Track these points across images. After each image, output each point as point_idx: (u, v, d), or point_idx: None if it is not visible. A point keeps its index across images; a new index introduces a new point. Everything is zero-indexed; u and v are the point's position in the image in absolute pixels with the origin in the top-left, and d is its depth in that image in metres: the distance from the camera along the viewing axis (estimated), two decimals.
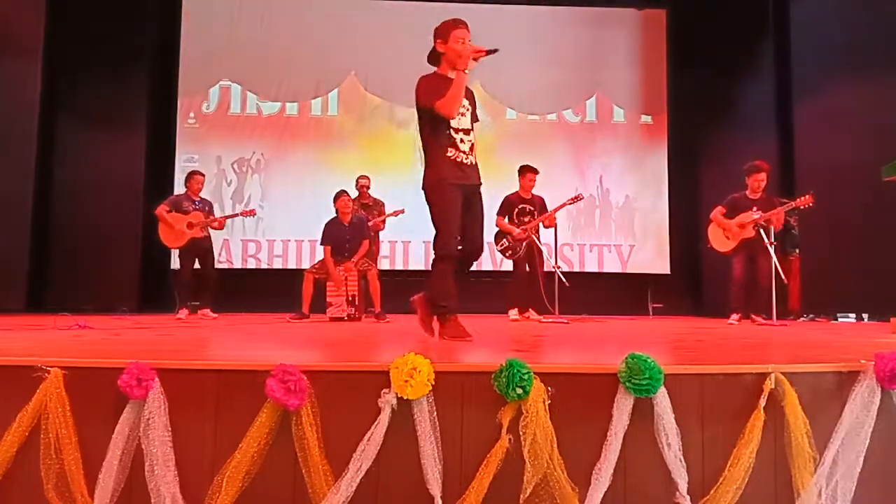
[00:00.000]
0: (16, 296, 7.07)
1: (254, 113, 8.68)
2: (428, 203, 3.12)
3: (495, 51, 3.07)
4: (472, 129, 3.17)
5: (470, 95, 3.22)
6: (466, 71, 3.02)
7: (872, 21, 6.18)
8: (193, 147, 8.55)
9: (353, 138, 8.71)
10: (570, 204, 6.21)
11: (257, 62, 8.63)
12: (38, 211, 7.48)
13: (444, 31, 3.13)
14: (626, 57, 9.00)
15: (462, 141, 3.09)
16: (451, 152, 3.06)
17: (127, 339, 2.87)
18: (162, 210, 6.06)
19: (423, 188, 3.13)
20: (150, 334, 3.30)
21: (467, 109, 3.15)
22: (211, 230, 6.29)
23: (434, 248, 3.11)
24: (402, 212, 6.82)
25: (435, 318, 3.12)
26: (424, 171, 3.14)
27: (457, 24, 3.13)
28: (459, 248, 3.15)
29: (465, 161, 3.08)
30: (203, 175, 6.49)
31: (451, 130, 3.06)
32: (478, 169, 3.17)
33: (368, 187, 6.63)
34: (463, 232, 3.12)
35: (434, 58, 3.21)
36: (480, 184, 3.18)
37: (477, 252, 3.22)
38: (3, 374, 1.76)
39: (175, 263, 8.04)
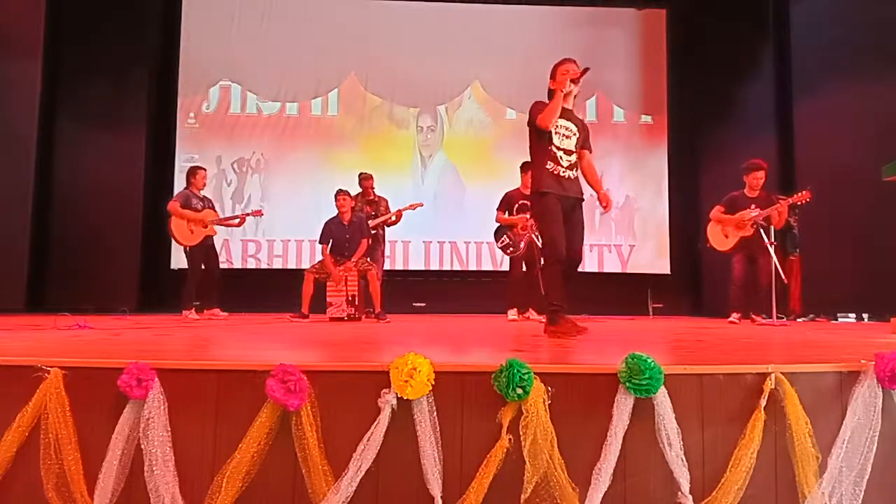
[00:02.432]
0: (16, 296, 7.07)
1: (254, 113, 8.68)
2: (532, 211, 3.55)
3: (587, 69, 3.46)
4: (575, 153, 3.51)
5: (582, 126, 3.59)
6: (565, 91, 3.41)
7: (872, 21, 6.17)
8: (193, 147, 8.55)
9: (353, 138, 8.72)
10: None
11: (257, 62, 8.63)
12: (38, 211, 7.48)
13: (553, 71, 3.54)
14: (626, 57, 9.00)
15: (562, 158, 3.45)
16: (550, 165, 3.43)
17: (127, 339, 2.87)
18: (176, 206, 6.01)
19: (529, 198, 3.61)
20: (150, 334, 3.30)
21: (574, 134, 3.52)
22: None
23: (543, 254, 3.45)
24: (421, 205, 6.77)
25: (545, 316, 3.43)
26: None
27: (563, 62, 3.53)
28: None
29: (563, 174, 3.43)
30: (206, 170, 6.50)
31: (553, 147, 3.43)
32: (578, 183, 3.52)
33: (373, 186, 6.64)
34: (567, 240, 3.45)
35: (549, 94, 3.56)
36: (581, 198, 3.52)
37: (577, 259, 3.49)
38: (3, 374, 1.76)
39: (177, 263, 8.08)
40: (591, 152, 3.67)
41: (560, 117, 3.45)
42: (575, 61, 3.51)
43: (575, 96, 3.57)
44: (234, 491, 1.62)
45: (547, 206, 3.36)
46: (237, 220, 6.52)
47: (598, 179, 3.70)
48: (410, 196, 8.22)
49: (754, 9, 7.88)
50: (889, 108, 5.93)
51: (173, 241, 7.99)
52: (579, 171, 3.58)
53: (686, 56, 8.78)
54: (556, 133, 3.44)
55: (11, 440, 1.68)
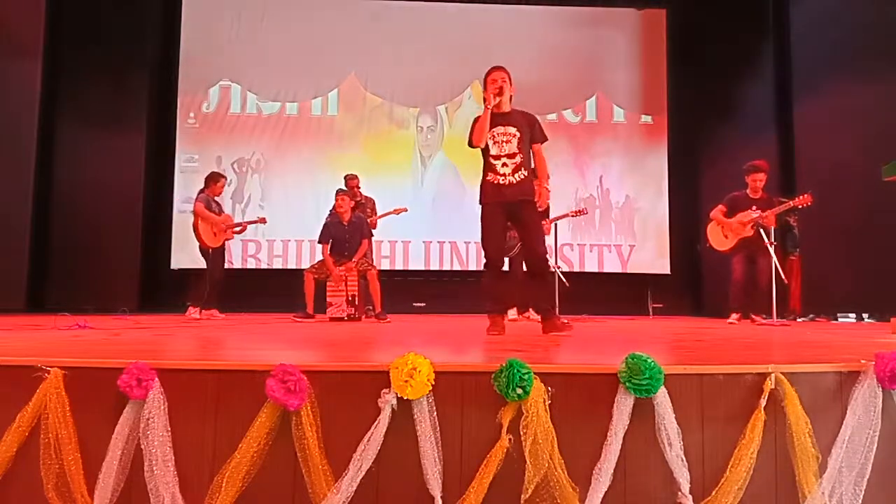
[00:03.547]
0: (16, 296, 7.08)
1: (254, 113, 8.68)
2: None
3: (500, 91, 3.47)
4: (521, 153, 3.46)
5: (525, 123, 3.55)
6: (492, 105, 3.44)
7: (872, 21, 6.17)
8: (193, 147, 8.55)
9: (353, 138, 8.72)
10: (572, 216, 6.33)
11: (257, 62, 8.64)
12: (38, 211, 7.49)
13: (483, 80, 3.56)
14: (626, 57, 9.01)
15: (505, 164, 3.46)
16: (489, 176, 3.50)
17: (127, 339, 2.87)
18: (202, 207, 6.11)
19: None
20: (150, 334, 3.30)
21: (514, 136, 3.48)
22: None
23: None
24: (405, 210, 6.82)
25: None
26: None
27: (490, 71, 3.57)
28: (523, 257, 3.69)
29: (503, 182, 3.45)
30: (226, 179, 6.69)
31: (491, 158, 3.50)
32: (525, 185, 3.46)
33: (359, 186, 6.67)
34: (521, 242, 3.64)
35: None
36: (528, 199, 3.48)
37: (536, 258, 3.50)
38: (3, 374, 1.76)
39: (177, 263, 8.09)
40: (545, 140, 3.63)
41: (497, 125, 3.47)
42: (502, 68, 3.56)
43: (511, 99, 3.58)
44: (234, 491, 1.62)
45: (483, 215, 3.54)
46: (242, 228, 6.69)
47: (545, 171, 3.68)
48: (410, 196, 8.23)
49: (754, 9, 7.89)
50: (889, 108, 5.92)
51: (173, 241, 8.10)
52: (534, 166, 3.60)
53: (686, 56, 8.78)
54: (493, 143, 3.48)
55: (11, 440, 1.68)
